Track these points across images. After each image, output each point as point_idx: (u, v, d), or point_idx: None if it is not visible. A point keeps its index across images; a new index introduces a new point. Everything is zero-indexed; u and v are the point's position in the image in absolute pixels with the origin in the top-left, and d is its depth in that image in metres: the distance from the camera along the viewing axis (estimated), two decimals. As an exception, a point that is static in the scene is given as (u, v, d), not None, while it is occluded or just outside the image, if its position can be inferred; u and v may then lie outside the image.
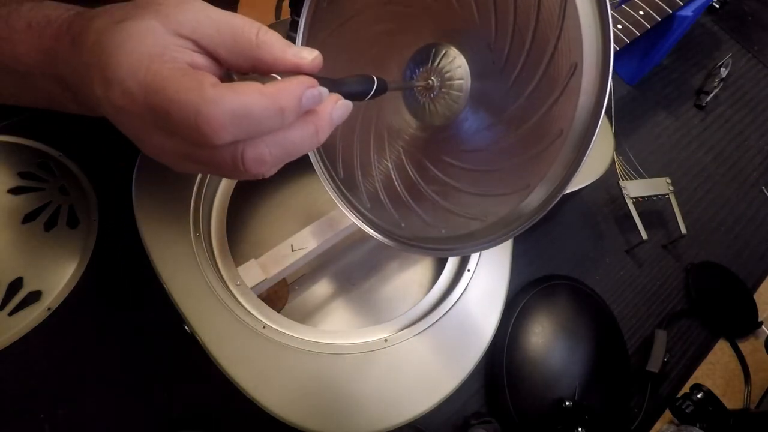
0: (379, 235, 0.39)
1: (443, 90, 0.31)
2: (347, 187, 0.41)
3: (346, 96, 0.26)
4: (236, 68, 0.25)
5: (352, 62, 0.36)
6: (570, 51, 0.23)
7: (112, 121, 0.25)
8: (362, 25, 0.35)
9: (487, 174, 0.30)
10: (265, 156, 0.23)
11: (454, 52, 0.30)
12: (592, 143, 0.23)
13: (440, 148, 0.33)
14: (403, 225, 0.37)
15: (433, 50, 0.31)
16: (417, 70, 0.33)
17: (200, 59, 0.24)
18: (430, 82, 0.32)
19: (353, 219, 0.41)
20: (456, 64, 0.30)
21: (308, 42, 0.37)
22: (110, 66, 0.22)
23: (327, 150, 0.41)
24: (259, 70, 0.24)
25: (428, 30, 0.31)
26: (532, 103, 0.26)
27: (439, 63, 0.31)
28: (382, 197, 0.38)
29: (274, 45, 0.24)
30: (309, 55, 0.24)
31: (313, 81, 0.23)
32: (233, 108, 0.21)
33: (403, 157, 0.35)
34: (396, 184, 0.36)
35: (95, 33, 0.23)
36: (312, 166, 0.58)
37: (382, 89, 0.28)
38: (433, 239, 0.35)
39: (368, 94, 0.27)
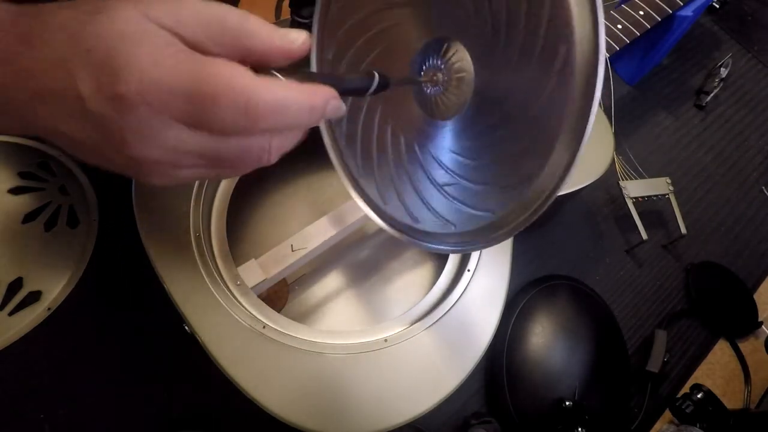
0: (397, 233, 0.39)
1: (449, 84, 0.31)
2: (366, 186, 0.41)
3: (347, 92, 0.26)
4: (228, 57, 0.23)
5: (365, 59, 0.36)
6: (561, 36, 0.23)
7: (82, 128, 0.22)
8: (371, 24, 0.35)
9: (492, 166, 0.30)
10: (285, 146, 0.24)
11: (458, 45, 0.30)
12: (586, 136, 0.22)
13: (450, 142, 0.33)
14: (419, 223, 0.37)
15: (438, 45, 0.31)
16: (424, 65, 0.33)
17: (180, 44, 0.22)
18: (436, 77, 0.32)
19: (374, 218, 0.41)
20: (459, 57, 0.30)
21: (323, 40, 0.38)
22: (119, 56, 0.20)
23: (346, 151, 0.41)
24: (247, 60, 0.23)
25: (432, 25, 0.31)
26: (530, 93, 0.26)
27: (444, 57, 0.31)
28: (397, 194, 0.38)
29: (262, 32, 0.23)
30: (298, 38, 0.24)
31: (335, 93, 0.24)
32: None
33: (417, 154, 0.35)
34: (410, 180, 0.36)
35: (64, 28, 0.21)
36: (311, 166, 0.59)
37: (383, 86, 0.28)
38: (445, 235, 0.35)
39: (368, 90, 0.27)
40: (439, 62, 0.32)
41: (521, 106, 0.27)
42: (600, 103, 0.59)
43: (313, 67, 0.39)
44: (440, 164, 0.34)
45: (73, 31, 0.21)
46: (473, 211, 0.32)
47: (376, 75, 0.27)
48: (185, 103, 0.21)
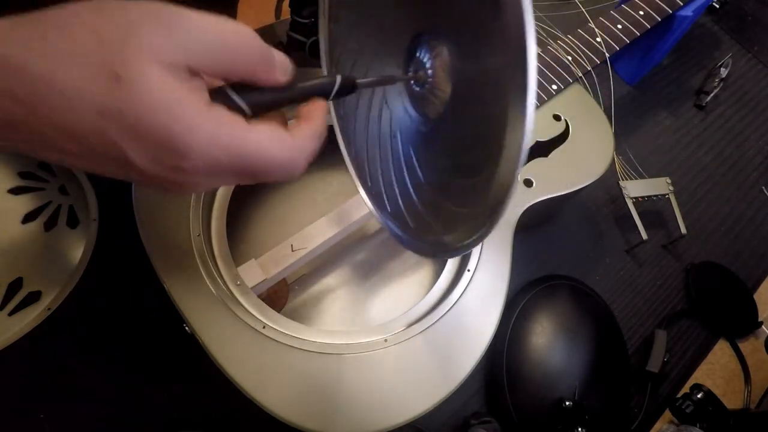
0: (399, 237, 0.38)
1: (435, 82, 0.31)
2: (376, 192, 0.41)
3: (305, 96, 0.26)
4: (221, 79, 0.24)
5: (372, 61, 0.36)
6: (492, 16, 0.23)
7: (124, 174, 0.23)
8: (369, 27, 0.35)
9: (467, 165, 0.30)
10: None
11: (438, 41, 0.30)
12: (529, 115, 0.22)
13: (435, 140, 0.33)
14: (413, 225, 0.37)
15: (422, 42, 0.31)
16: (410, 63, 0.32)
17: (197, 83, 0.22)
18: (419, 74, 0.31)
19: (385, 225, 0.41)
20: (437, 52, 0.30)
21: (333, 45, 0.38)
22: (173, 135, 0.21)
23: (358, 160, 0.41)
24: (245, 82, 0.24)
25: (414, 23, 0.31)
26: (486, 80, 0.26)
27: (427, 55, 0.31)
28: (399, 195, 0.38)
29: (266, 59, 0.24)
30: (289, 70, 0.25)
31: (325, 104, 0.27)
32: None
33: (413, 158, 0.35)
34: (408, 181, 0.36)
35: (82, 96, 0.20)
36: (311, 166, 0.59)
37: (347, 88, 0.28)
38: (436, 240, 0.35)
39: (331, 93, 0.27)
40: (426, 59, 0.31)
41: (481, 94, 0.27)
42: (600, 103, 0.60)
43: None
44: (431, 164, 0.34)
45: (98, 102, 0.20)
46: (458, 211, 0.32)
47: (338, 78, 0.27)
48: (239, 169, 0.23)
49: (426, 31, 0.30)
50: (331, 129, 0.43)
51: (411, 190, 0.36)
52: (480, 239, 0.29)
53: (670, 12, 0.65)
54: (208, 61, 0.22)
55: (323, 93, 0.27)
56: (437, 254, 0.35)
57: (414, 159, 0.36)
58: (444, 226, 0.34)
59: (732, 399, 0.58)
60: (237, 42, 0.22)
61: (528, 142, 0.23)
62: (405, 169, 0.37)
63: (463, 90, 0.29)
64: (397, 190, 0.38)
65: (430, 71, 0.31)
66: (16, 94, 0.20)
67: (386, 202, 0.39)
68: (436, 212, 0.34)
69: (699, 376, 0.58)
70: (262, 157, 0.23)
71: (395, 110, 0.36)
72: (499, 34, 0.23)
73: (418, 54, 0.32)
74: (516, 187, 0.25)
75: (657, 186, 0.63)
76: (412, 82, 0.32)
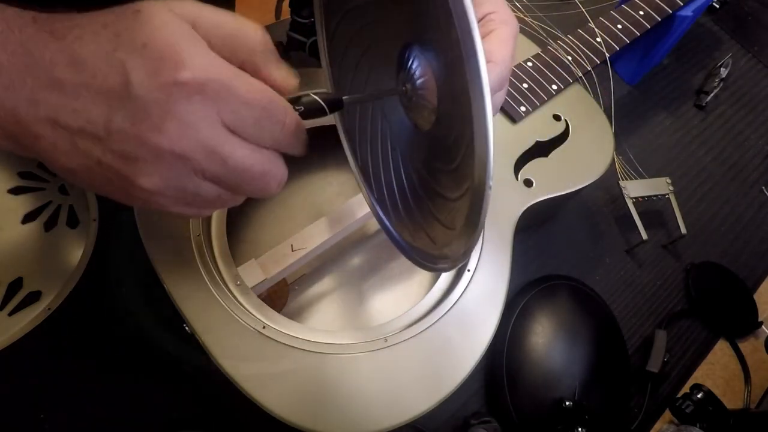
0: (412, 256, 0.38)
1: (420, 93, 0.31)
2: (380, 204, 0.40)
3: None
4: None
5: (366, 72, 0.36)
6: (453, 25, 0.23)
7: (107, 113, 0.22)
8: (364, 41, 0.35)
9: (451, 176, 0.30)
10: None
11: (422, 51, 0.30)
12: (488, 117, 0.22)
13: (426, 149, 0.33)
14: (415, 242, 0.37)
15: (410, 52, 0.31)
16: (399, 75, 0.32)
17: None
18: (405, 86, 0.31)
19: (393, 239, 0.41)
20: (422, 62, 0.30)
21: (332, 59, 0.39)
22: (182, 47, 0.22)
23: (364, 170, 0.41)
24: (245, 71, 0.25)
25: (402, 33, 0.31)
26: (459, 90, 0.26)
27: (415, 65, 0.30)
28: (402, 213, 0.38)
29: (271, 60, 0.25)
30: (294, 83, 0.26)
31: None
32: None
33: (412, 171, 0.35)
34: (410, 198, 0.36)
35: (106, 26, 0.22)
36: (311, 166, 0.59)
37: (334, 105, 0.28)
38: (429, 252, 0.35)
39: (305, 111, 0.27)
40: (414, 70, 0.31)
41: (456, 104, 0.27)
42: (600, 103, 0.60)
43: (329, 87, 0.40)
44: (429, 180, 0.34)
45: (118, 29, 0.22)
46: (443, 220, 0.32)
47: (310, 94, 0.27)
48: (236, 104, 0.23)
49: (413, 41, 0.30)
50: (333, 130, 0.43)
51: (410, 199, 0.36)
52: (465, 256, 0.29)
53: (670, 12, 0.65)
54: (218, 40, 0.23)
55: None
56: (426, 265, 0.35)
57: (405, 167, 0.35)
58: (435, 239, 0.34)
59: (732, 399, 0.58)
60: (239, 27, 0.24)
61: (491, 154, 0.23)
62: (403, 178, 0.36)
63: (445, 101, 0.29)
64: (398, 197, 0.38)
65: (418, 82, 0.30)
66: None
67: (389, 209, 0.39)
68: (430, 226, 0.34)
69: (699, 376, 0.58)
70: (264, 91, 0.24)
71: (392, 119, 0.36)
72: (457, 42, 0.23)
73: (407, 65, 0.31)
74: (487, 208, 0.25)
75: (657, 186, 0.63)
76: (401, 92, 0.32)
